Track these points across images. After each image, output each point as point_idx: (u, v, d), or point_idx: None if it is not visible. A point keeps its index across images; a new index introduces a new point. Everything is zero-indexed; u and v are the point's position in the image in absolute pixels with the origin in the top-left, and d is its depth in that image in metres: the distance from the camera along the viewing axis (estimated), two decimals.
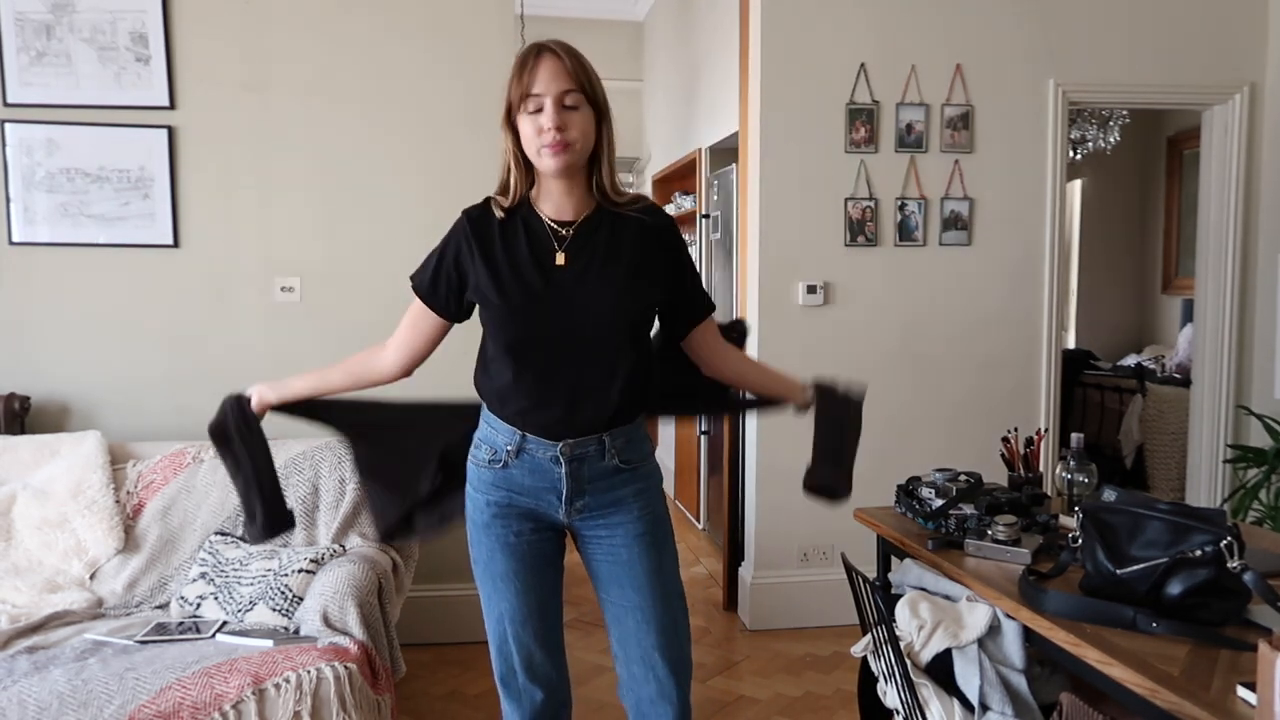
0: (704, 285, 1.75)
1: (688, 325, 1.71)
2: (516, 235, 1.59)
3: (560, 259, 1.57)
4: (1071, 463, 2.15)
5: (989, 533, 1.90)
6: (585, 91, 1.51)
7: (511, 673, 1.71)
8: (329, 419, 1.81)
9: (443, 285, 1.64)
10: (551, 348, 1.56)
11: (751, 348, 3.48)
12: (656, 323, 1.72)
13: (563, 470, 1.60)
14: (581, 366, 1.56)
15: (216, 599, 2.39)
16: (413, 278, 1.69)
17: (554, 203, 1.60)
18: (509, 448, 1.61)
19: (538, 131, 1.51)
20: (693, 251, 4.82)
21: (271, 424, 3.12)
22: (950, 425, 3.50)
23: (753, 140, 3.47)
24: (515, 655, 1.70)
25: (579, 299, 1.55)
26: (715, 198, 4.68)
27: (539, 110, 1.50)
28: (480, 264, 1.59)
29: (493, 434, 1.64)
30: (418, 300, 1.68)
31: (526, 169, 1.58)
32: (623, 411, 1.60)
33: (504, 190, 1.61)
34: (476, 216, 1.63)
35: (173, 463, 2.74)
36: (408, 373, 1.74)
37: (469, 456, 1.70)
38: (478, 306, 1.64)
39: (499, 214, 1.60)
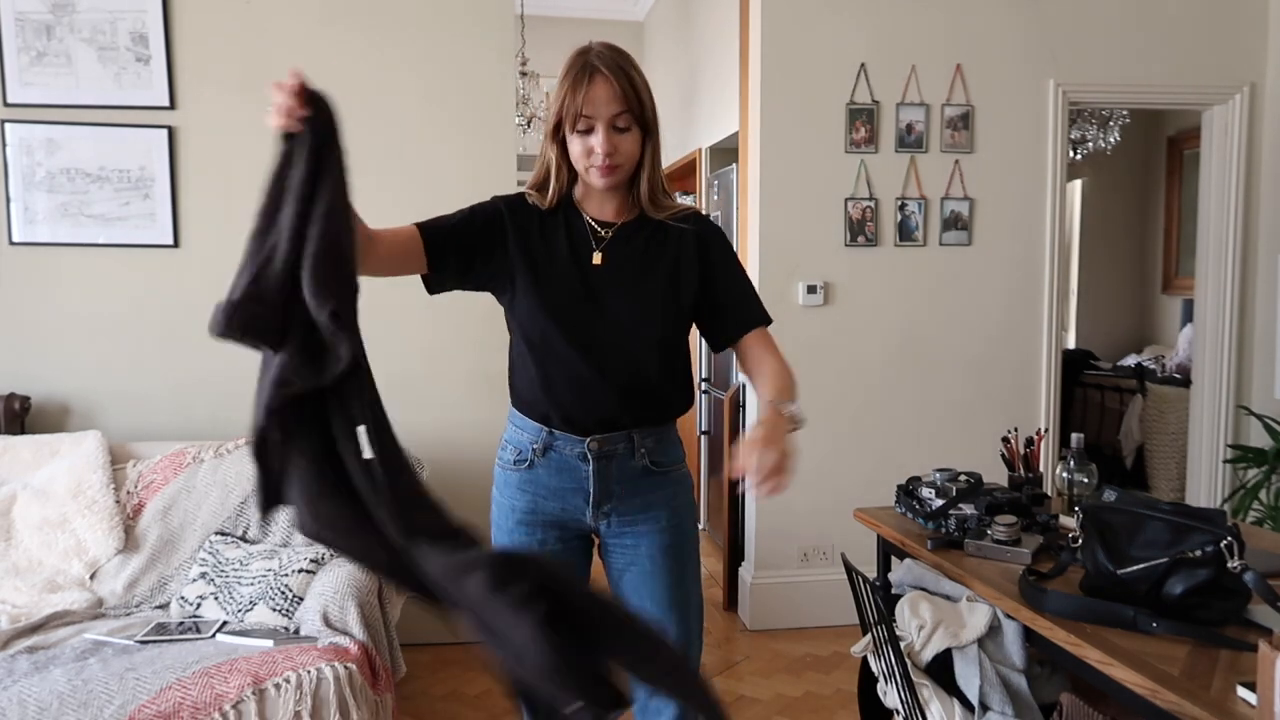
0: (758, 298, 1.69)
1: (738, 329, 1.64)
2: (557, 231, 1.60)
3: (597, 259, 1.58)
4: (1071, 463, 2.15)
5: (989, 533, 1.90)
6: (635, 113, 1.51)
7: None
8: None
9: (454, 241, 1.54)
10: (581, 345, 1.56)
11: None
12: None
13: (590, 468, 1.58)
14: (611, 365, 1.56)
15: (216, 599, 2.39)
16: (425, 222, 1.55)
17: (597, 204, 1.61)
18: (535, 446, 1.60)
19: (587, 152, 1.51)
20: None
21: None
22: (950, 425, 3.50)
23: (753, 140, 3.47)
24: None
25: (612, 300, 1.56)
26: (715, 198, 4.68)
27: (589, 131, 1.50)
28: (517, 253, 1.58)
29: (518, 433, 1.63)
30: (415, 229, 1.53)
31: (570, 175, 1.58)
32: (652, 410, 1.61)
33: (540, 188, 1.60)
34: (514, 204, 1.61)
35: (173, 463, 2.74)
36: (370, 269, 1.40)
37: (496, 459, 1.68)
38: (509, 298, 1.60)
39: (548, 204, 1.60)
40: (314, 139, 1.21)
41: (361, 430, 1.10)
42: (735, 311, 1.65)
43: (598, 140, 1.49)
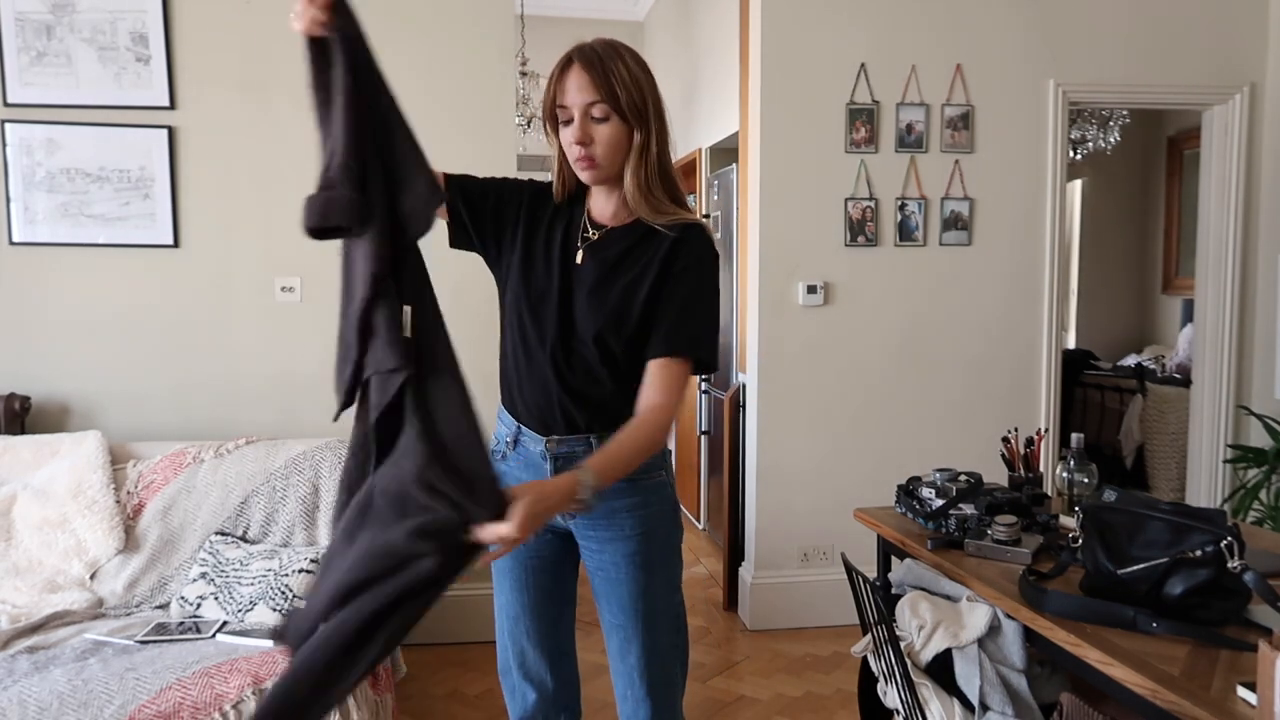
0: (702, 328, 1.53)
1: (651, 353, 1.50)
2: (559, 225, 1.59)
3: (579, 258, 1.56)
4: (1071, 463, 2.15)
5: (989, 533, 1.90)
6: (613, 102, 1.46)
7: (507, 666, 1.72)
8: None
9: (482, 196, 1.58)
10: (545, 343, 1.55)
11: (753, 348, 3.49)
12: None
13: (550, 468, 1.57)
14: (568, 367, 1.55)
15: (217, 599, 2.39)
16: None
17: (599, 204, 1.60)
18: (507, 439, 1.62)
19: (569, 145, 1.50)
20: None
21: (274, 424, 3.13)
22: (950, 425, 3.50)
23: (753, 140, 3.47)
24: (509, 649, 1.71)
25: (577, 303, 1.54)
26: (715, 198, 4.68)
27: (569, 122, 1.49)
28: (521, 236, 1.59)
29: (499, 425, 1.66)
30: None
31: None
32: (603, 418, 1.55)
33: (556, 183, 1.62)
34: (538, 191, 1.63)
35: (173, 463, 2.74)
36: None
37: None
38: (502, 284, 1.62)
39: (556, 199, 1.60)
40: (346, 43, 1.32)
41: (407, 311, 1.23)
42: (660, 333, 1.50)
43: (572, 130, 1.48)
